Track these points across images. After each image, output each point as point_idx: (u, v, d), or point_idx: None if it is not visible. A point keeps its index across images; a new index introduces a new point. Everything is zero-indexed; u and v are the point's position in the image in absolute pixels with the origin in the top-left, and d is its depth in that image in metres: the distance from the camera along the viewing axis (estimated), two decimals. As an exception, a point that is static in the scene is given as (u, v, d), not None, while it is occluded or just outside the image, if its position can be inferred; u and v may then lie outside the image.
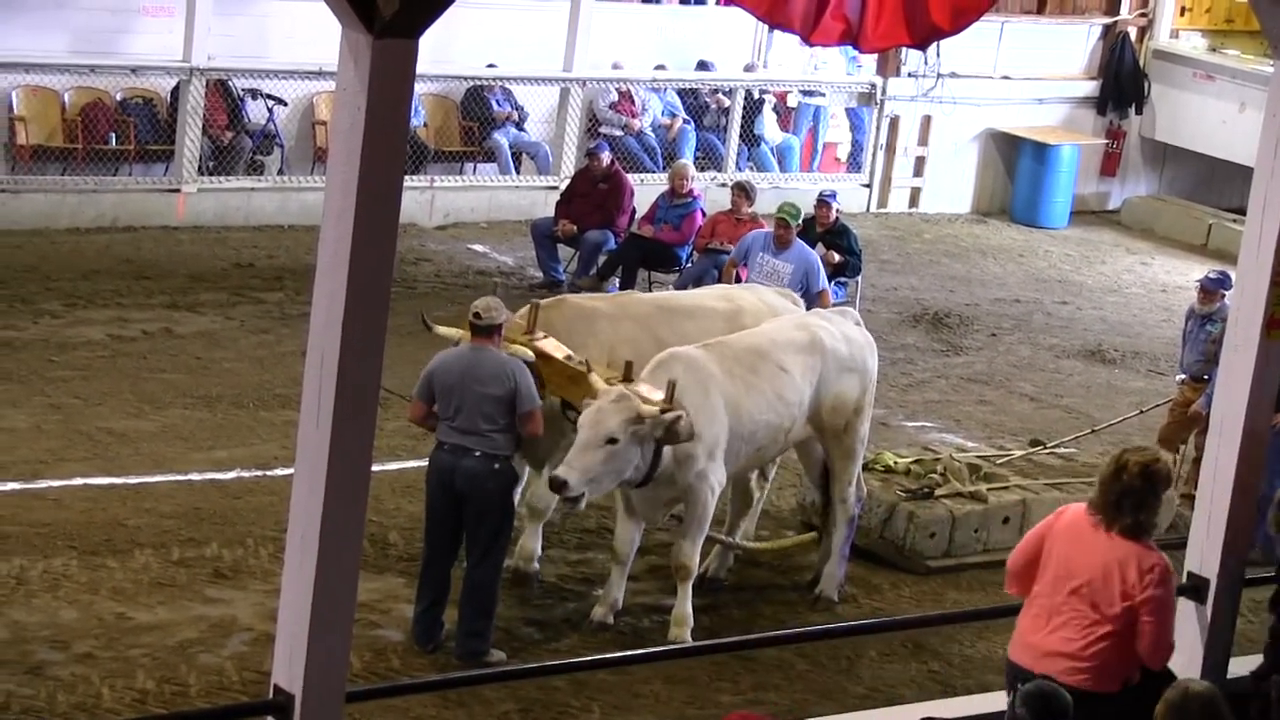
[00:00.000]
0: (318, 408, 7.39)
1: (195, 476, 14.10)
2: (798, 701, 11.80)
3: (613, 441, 11.66)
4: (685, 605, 12.41)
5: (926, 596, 13.62)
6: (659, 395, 11.93)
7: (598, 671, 11.95)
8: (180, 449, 14.33)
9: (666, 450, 11.95)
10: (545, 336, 12.75)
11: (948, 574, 13.69)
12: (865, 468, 13.77)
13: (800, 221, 16.97)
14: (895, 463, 14.50)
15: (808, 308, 15.85)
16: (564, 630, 12.74)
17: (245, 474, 14.45)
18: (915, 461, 14.56)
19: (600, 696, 11.79)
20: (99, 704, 11.07)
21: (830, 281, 19.25)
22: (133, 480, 14.23)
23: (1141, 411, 16.82)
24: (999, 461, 15.19)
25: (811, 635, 12.48)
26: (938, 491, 14.07)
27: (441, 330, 12.79)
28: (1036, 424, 18.14)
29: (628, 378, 12.15)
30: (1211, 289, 15.82)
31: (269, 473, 13.84)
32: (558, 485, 11.71)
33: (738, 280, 17.09)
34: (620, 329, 13.37)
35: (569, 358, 12.46)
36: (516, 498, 12.59)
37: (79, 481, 14.12)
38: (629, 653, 12.11)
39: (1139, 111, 27.75)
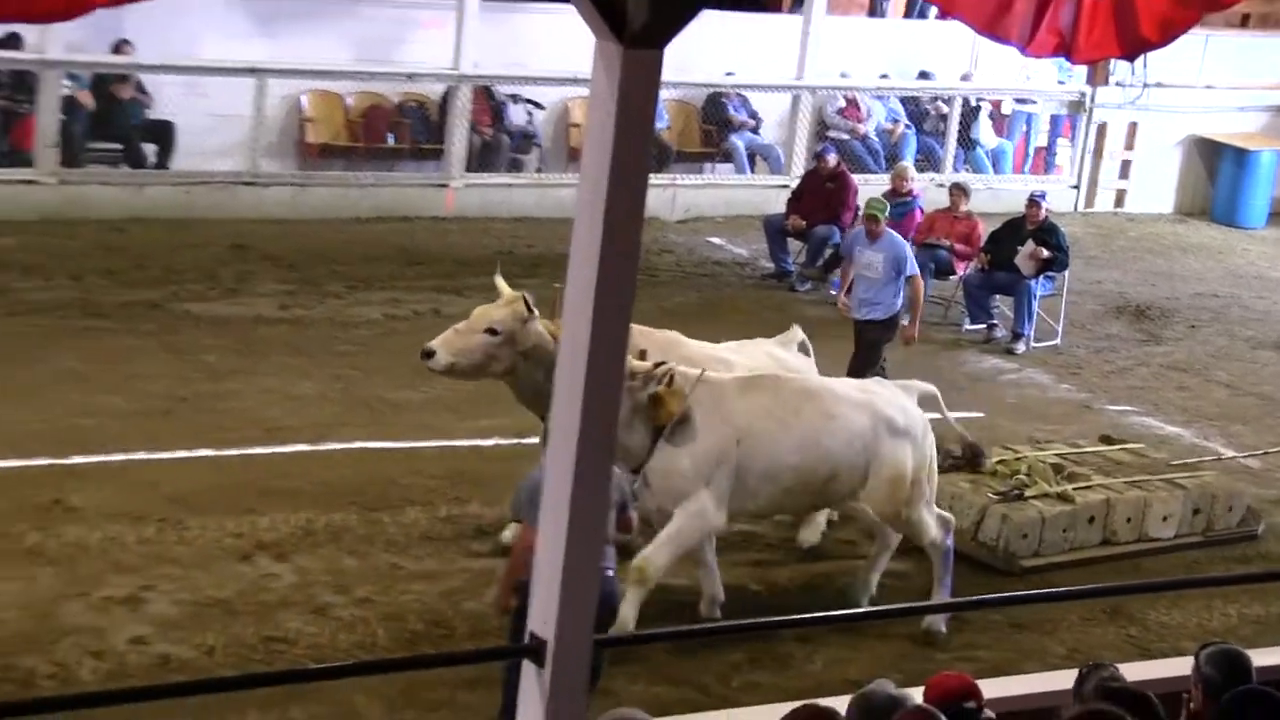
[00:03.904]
0: (570, 381, 7.46)
1: (459, 442, 14.25)
2: (1006, 659, 11.77)
3: (491, 332, 11.74)
4: (628, 609, 11.26)
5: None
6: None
7: (821, 627, 11.93)
8: (446, 418, 14.52)
9: (668, 457, 11.42)
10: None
11: (1040, 573, 13.17)
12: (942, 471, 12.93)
13: (888, 215, 16.43)
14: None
15: (898, 292, 15.81)
16: (791, 590, 12.72)
17: (503, 441, 14.53)
18: (1000, 462, 13.97)
19: (822, 650, 11.77)
20: (375, 643, 11.26)
21: (1039, 276, 19.27)
22: (404, 444, 14.45)
23: None
24: (1072, 458, 14.56)
25: (1020, 600, 12.34)
26: (1027, 492, 13.55)
27: (500, 283, 12.65)
28: (1232, 410, 17.98)
29: (641, 357, 11.62)
30: None
31: (524, 440, 13.83)
32: (425, 354, 11.92)
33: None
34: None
35: None
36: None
37: (357, 445, 14.36)
38: (847, 611, 12.08)
39: (1338, 120, 27.40)
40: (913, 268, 15.92)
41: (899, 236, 16.40)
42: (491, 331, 12.00)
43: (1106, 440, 15.31)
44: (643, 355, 11.63)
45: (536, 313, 12.12)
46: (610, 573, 9.91)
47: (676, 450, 11.29)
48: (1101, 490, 13.83)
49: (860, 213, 16.21)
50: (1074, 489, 13.70)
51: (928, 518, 12.21)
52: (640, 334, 12.40)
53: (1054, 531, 13.35)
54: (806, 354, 13.44)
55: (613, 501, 9.70)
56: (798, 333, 13.59)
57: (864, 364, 15.59)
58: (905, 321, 16.09)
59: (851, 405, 11.96)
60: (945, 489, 12.87)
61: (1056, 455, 14.46)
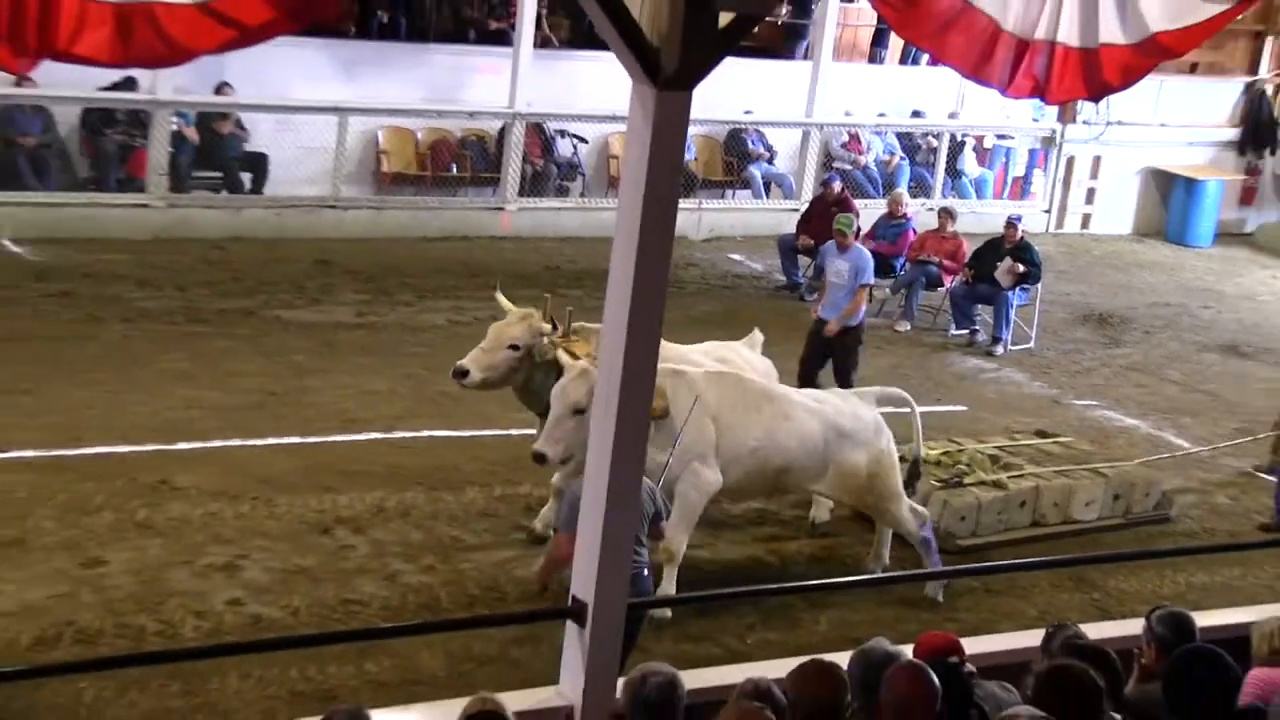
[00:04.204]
0: (609, 378, 7.47)
1: (513, 431, 14.14)
2: (984, 620, 11.76)
3: (579, 411, 10.84)
4: (667, 584, 11.31)
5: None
6: None
7: (826, 593, 12.01)
8: (502, 410, 14.42)
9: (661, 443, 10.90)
10: (575, 341, 11.94)
11: (977, 550, 13.02)
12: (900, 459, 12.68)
13: (855, 229, 16.07)
14: (926, 455, 13.41)
15: (852, 298, 15.44)
16: (799, 560, 12.70)
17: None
18: (944, 453, 13.81)
19: (826, 612, 11.77)
20: (439, 604, 11.30)
21: (1015, 288, 19.22)
22: (465, 433, 14.42)
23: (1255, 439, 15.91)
24: (1009, 449, 14.42)
25: (997, 569, 12.44)
26: (966, 480, 13.43)
27: (502, 299, 12.44)
28: (1182, 405, 17.93)
29: None
30: None
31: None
32: (538, 458, 11.12)
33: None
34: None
35: (590, 358, 11.43)
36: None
37: (424, 433, 14.36)
38: (846, 579, 12.07)
39: (1273, 153, 27.30)
40: (868, 278, 15.70)
41: (865, 250, 16.19)
42: (514, 347, 11.93)
43: (1041, 434, 15.17)
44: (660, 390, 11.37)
45: (559, 328, 11.97)
46: (646, 571, 9.75)
47: (661, 436, 10.87)
48: (1032, 478, 13.73)
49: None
50: (1008, 477, 13.60)
51: (901, 512, 12.13)
52: None
53: (989, 515, 13.25)
54: (763, 354, 13.34)
55: (647, 513, 9.68)
56: (759, 335, 13.48)
57: (846, 368, 15.51)
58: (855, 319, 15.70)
59: (805, 411, 11.85)
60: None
61: (995, 447, 14.34)
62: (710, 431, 11.39)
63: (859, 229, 16.66)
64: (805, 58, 24.43)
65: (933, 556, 12.22)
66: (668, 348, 12.48)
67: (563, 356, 11.60)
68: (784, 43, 25.07)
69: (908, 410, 12.84)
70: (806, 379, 14.99)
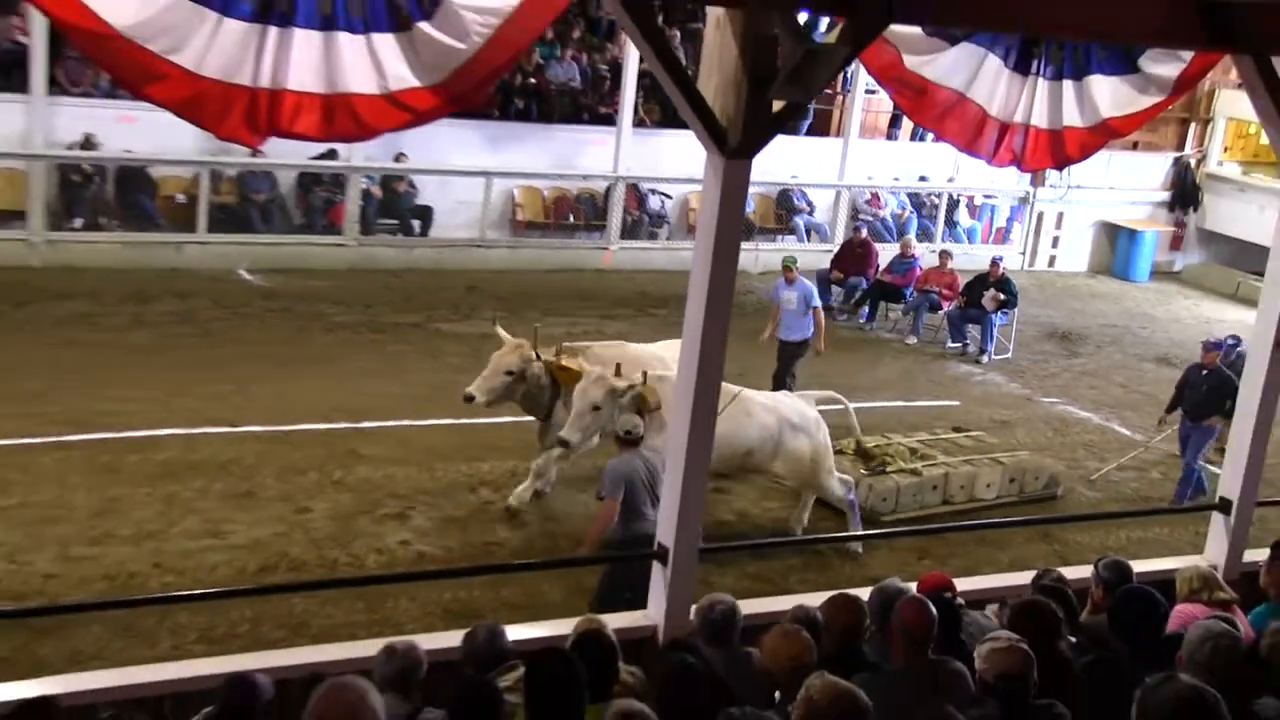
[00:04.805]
0: (688, 377, 7.46)
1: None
2: (971, 564, 11.64)
3: (596, 408, 10.64)
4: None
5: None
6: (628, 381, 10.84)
7: (818, 547, 11.91)
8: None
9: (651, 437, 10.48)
10: (569, 356, 11.63)
11: (897, 524, 12.46)
12: (838, 451, 12.48)
13: (798, 266, 15.41)
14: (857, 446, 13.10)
15: (809, 322, 14.90)
16: (828, 519, 12.47)
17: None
18: (875, 446, 13.23)
19: (850, 558, 11.79)
20: (558, 547, 11.37)
21: (998, 311, 19.09)
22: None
23: (1145, 447, 15.35)
24: (929, 443, 13.85)
25: (983, 526, 12.19)
26: (889, 468, 12.92)
27: (501, 332, 11.99)
28: (1125, 402, 17.70)
29: (617, 374, 11.01)
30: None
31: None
32: (563, 443, 10.79)
33: (849, 299, 16.55)
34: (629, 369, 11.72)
35: (580, 368, 11.36)
36: None
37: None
38: (868, 533, 12.02)
39: (1195, 210, 26.95)
40: (816, 302, 15.25)
41: (807, 281, 15.60)
42: (509, 373, 11.64)
43: (957, 429, 14.66)
44: (617, 370, 11.09)
45: (540, 355, 11.66)
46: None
47: (650, 432, 10.50)
48: (943, 466, 13.24)
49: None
50: (923, 466, 13.16)
51: (832, 484, 11.88)
52: (600, 346, 12.09)
53: (907, 496, 12.79)
54: None
55: (661, 479, 9.40)
56: None
57: (783, 371, 15.03)
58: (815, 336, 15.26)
59: (763, 409, 11.56)
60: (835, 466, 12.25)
61: (917, 441, 13.84)
62: None
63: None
64: (838, 135, 24.32)
65: (855, 518, 11.95)
66: (631, 347, 12.20)
67: (583, 364, 11.26)
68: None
69: (841, 406, 12.71)
70: (778, 383, 14.66)
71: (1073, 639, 6.44)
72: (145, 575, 10.21)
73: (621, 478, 9.70)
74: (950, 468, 13.22)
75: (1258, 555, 8.56)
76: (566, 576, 10.54)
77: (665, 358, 11.93)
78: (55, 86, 18.22)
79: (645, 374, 10.97)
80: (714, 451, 11.08)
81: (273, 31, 6.23)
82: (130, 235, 18.61)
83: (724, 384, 11.56)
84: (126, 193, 18.83)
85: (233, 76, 6.21)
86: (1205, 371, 13.86)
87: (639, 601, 7.83)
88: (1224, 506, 9.33)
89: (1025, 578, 7.68)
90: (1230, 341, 14.99)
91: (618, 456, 9.90)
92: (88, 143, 18.34)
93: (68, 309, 16.48)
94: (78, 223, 18.46)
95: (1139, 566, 7.85)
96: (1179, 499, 13.85)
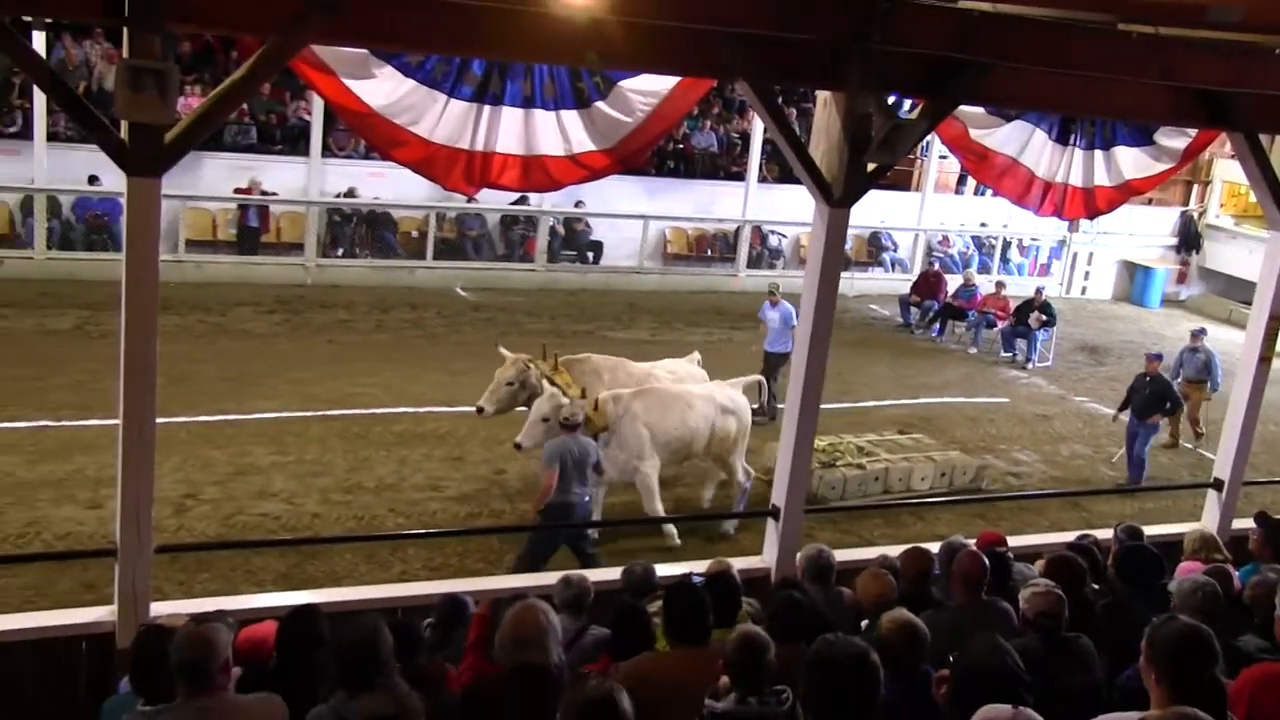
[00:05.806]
0: (799, 375, 7.43)
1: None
2: (1015, 526, 11.13)
3: (545, 420, 9.61)
4: (670, 528, 10.38)
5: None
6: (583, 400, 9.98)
7: (924, 509, 11.54)
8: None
9: (614, 450, 10.03)
10: (560, 374, 10.68)
11: (845, 511, 11.43)
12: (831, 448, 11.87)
13: (780, 292, 14.49)
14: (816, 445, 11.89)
15: (790, 338, 13.39)
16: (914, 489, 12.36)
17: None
18: (829, 445, 12.09)
19: (922, 519, 11.41)
20: (699, 506, 11.26)
21: (1041, 329, 18.65)
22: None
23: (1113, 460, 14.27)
24: (874, 442, 12.64)
25: (1025, 496, 11.93)
26: (838, 463, 11.84)
27: (503, 351, 10.97)
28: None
29: (583, 395, 10.17)
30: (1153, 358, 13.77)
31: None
32: (517, 446, 9.80)
33: (924, 317, 15.91)
34: (616, 377, 11.12)
35: (567, 385, 10.43)
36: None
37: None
38: (937, 499, 11.71)
39: (1197, 252, 26.11)
40: (795, 321, 13.99)
41: (789, 305, 13.98)
42: (509, 384, 10.64)
43: (901, 430, 13.49)
44: (583, 393, 10.20)
45: (534, 367, 10.61)
46: (586, 499, 9.26)
47: (613, 445, 10.07)
48: (884, 462, 12.08)
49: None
50: (867, 461, 12.05)
51: (740, 466, 11.02)
52: (599, 358, 11.36)
53: (852, 486, 11.69)
54: (700, 367, 12.03)
55: (591, 463, 9.27)
56: (698, 355, 12.33)
57: (767, 376, 13.77)
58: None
59: (702, 399, 10.72)
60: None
61: (866, 440, 12.66)
62: (644, 433, 10.19)
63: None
64: (918, 190, 23.98)
65: (742, 501, 10.99)
66: (630, 365, 11.44)
67: (545, 385, 10.24)
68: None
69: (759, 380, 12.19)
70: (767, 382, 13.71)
71: (1095, 586, 6.29)
72: (383, 518, 10.39)
73: (556, 454, 9.16)
74: (890, 463, 12.16)
75: (1243, 524, 8.50)
76: (701, 529, 10.47)
77: (660, 373, 11.31)
78: (327, 150, 18.83)
79: (597, 401, 10.14)
80: (666, 447, 10.37)
81: (486, 109, 6.37)
82: (377, 261, 19.00)
83: (660, 387, 10.79)
84: (375, 229, 19.29)
85: (455, 142, 6.35)
86: (1148, 378, 13.32)
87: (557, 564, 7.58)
88: (1217, 485, 9.19)
89: (1060, 537, 7.54)
90: (1195, 330, 15.49)
91: (557, 438, 9.35)
92: (350, 192, 18.91)
93: (330, 316, 16.89)
94: (339, 252, 19.00)
95: (1152, 530, 7.66)
96: (1133, 482, 13.25)
